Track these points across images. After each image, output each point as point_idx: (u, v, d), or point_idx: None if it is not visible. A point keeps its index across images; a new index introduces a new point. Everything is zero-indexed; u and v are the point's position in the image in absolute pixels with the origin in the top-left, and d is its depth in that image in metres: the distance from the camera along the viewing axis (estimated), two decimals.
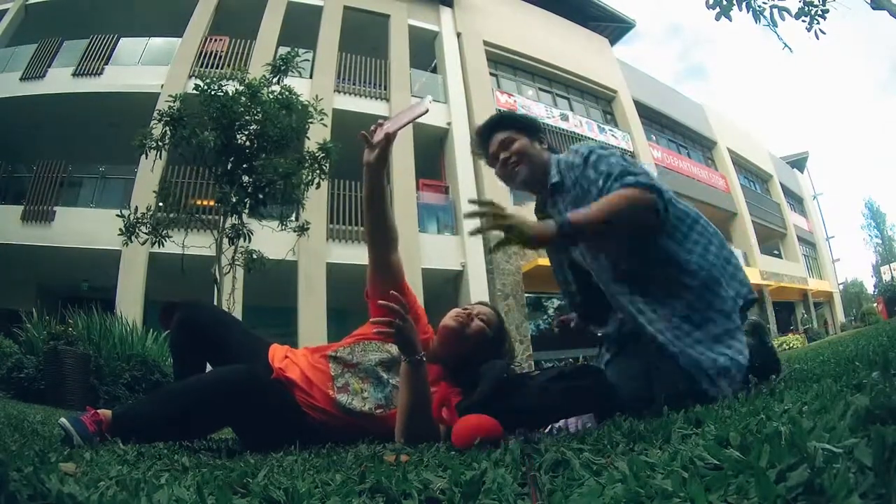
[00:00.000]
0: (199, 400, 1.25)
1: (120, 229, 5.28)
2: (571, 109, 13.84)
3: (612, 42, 16.39)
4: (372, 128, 1.45)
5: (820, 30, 4.63)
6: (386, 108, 10.80)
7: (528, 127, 1.56)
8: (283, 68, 5.65)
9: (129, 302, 7.68)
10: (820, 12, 4.58)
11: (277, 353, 1.49)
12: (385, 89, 11.02)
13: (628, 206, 1.22)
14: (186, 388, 1.31)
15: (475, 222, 1.21)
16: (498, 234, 1.18)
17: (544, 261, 10.23)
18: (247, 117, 5.34)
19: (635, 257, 1.33)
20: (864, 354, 1.49)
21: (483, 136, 1.59)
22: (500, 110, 10.97)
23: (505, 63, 13.28)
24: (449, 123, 11.26)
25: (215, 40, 10.42)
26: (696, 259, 1.29)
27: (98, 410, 1.22)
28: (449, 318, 1.50)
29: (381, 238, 1.50)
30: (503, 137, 1.50)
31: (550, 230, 1.17)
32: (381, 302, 1.24)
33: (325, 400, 1.40)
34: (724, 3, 4.47)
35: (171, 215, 5.68)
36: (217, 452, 1.18)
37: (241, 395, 1.27)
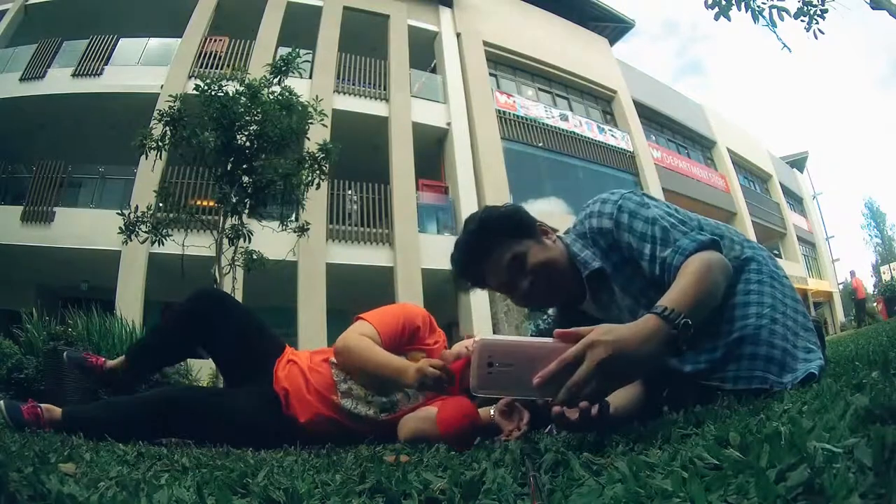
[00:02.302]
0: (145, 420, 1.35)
1: (120, 227, 5.28)
2: (571, 109, 13.85)
3: (612, 42, 16.40)
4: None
5: (819, 30, 4.64)
6: (385, 109, 10.80)
7: (521, 223, 1.13)
8: (283, 69, 5.65)
9: (129, 302, 7.68)
10: (819, 12, 4.59)
11: (280, 370, 1.47)
12: (385, 89, 11.02)
13: (721, 277, 0.94)
14: (134, 405, 1.39)
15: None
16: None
17: None
18: (247, 118, 5.33)
19: None
20: (864, 354, 1.49)
21: (473, 265, 1.14)
22: (498, 110, 10.85)
23: (504, 63, 13.28)
24: (448, 124, 11.27)
25: (215, 41, 10.43)
26: None
27: (40, 406, 1.30)
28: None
29: None
30: (509, 257, 1.09)
31: (658, 336, 0.77)
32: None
33: (328, 406, 1.40)
34: (724, 3, 4.47)
35: (172, 215, 5.68)
36: (217, 453, 1.18)
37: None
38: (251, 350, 1.50)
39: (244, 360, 1.48)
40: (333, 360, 1.47)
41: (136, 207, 5.48)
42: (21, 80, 9.58)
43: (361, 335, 1.41)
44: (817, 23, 4.62)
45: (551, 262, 1.10)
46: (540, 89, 13.79)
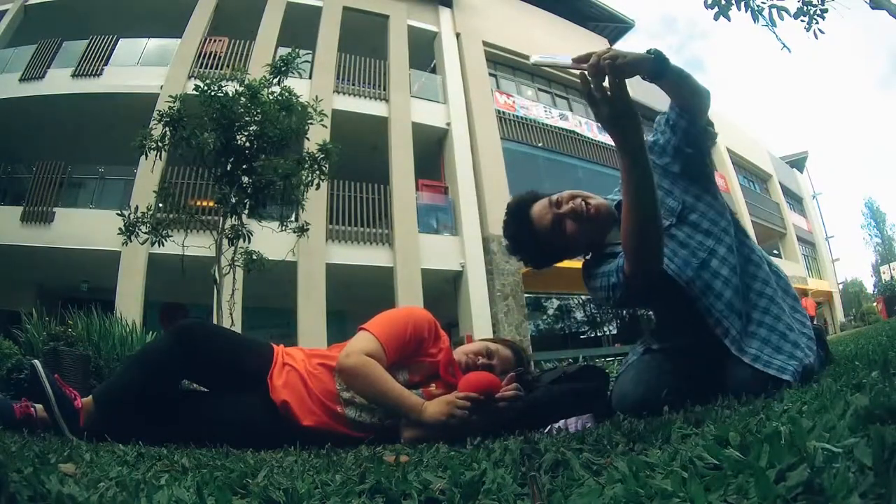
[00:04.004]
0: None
1: (120, 228, 5.28)
2: (571, 109, 13.85)
3: (612, 42, 16.39)
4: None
5: (819, 29, 4.63)
6: (385, 109, 10.81)
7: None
8: (283, 69, 5.65)
9: (129, 303, 7.68)
10: (819, 12, 4.59)
11: (276, 378, 1.41)
12: (384, 90, 11.02)
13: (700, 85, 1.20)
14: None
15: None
16: None
17: None
18: (246, 118, 5.34)
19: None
20: (864, 354, 1.49)
21: (521, 223, 1.35)
22: (498, 110, 10.89)
23: (504, 63, 13.28)
24: (448, 124, 11.27)
25: (214, 41, 10.42)
26: None
27: (34, 406, 1.26)
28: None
29: None
30: (549, 198, 1.33)
31: (644, 55, 1.07)
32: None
33: (331, 416, 1.38)
34: (723, 2, 4.47)
35: (171, 216, 5.68)
36: (217, 453, 1.18)
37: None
38: (240, 370, 1.43)
39: (235, 380, 1.42)
40: (335, 366, 1.42)
41: (136, 208, 5.48)
42: (21, 80, 9.57)
43: (367, 355, 1.34)
44: (817, 22, 4.61)
45: (588, 193, 1.31)
46: (540, 89, 13.79)
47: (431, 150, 11.24)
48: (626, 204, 1.10)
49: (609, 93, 1.02)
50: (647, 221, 1.09)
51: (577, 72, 1.04)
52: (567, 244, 1.32)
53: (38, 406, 1.26)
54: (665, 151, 1.28)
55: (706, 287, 1.22)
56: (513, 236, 1.38)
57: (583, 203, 1.27)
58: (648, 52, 1.09)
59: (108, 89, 9.50)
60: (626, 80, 1.02)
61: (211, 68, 9.61)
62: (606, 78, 1.01)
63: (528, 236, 1.33)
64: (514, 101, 12.60)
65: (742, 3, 4.46)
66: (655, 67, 1.08)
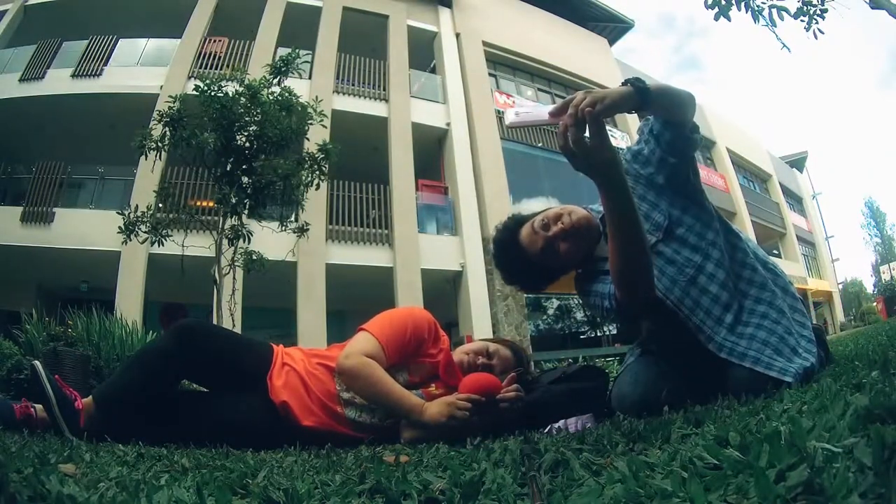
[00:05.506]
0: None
1: (119, 227, 5.28)
2: None
3: (611, 42, 16.40)
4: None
5: (819, 29, 4.63)
6: (385, 109, 10.81)
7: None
8: (283, 69, 5.65)
9: (129, 303, 7.67)
10: (819, 12, 4.58)
11: (275, 378, 1.40)
12: (384, 90, 11.02)
13: (686, 93, 1.16)
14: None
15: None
16: None
17: None
18: (246, 118, 5.34)
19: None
20: (864, 354, 1.49)
21: (512, 246, 1.34)
22: (498, 110, 10.88)
23: (504, 63, 13.28)
24: (448, 124, 11.27)
25: (214, 41, 10.42)
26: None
27: (34, 406, 1.26)
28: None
29: None
30: (533, 221, 1.32)
31: (624, 89, 1.04)
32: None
33: (331, 416, 1.38)
34: (723, 2, 4.46)
35: (171, 216, 5.68)
36: (217, 453, 1.18)
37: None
38: (240, 370, 1.43)
39: (235, 380, 1.42)
40: (335, 367, 1.42)
41: (136, 207, 5.48)
42: (21, 80, 9.56)
43: (367, 356, 1.34)
44: (817, 22, 4.61)
45: (571, 207, 1.31)
46: (540, 89, 13.79)
47: (431, 151, 11.24)
48: (611, 242, 1.10)
49: (589, 142, 0.98)
50: (635, 259, 1.09)
51: (558, 124, 1.00)
52: (562, 264, 1.32)
53: (39, 406, 1.26)
54: (649, 162, 1.26)
55: (695, 305, 1.21)
56: (505, 266, 1.39)
57: (570, 219, 1.27)
58: (626, 83, 1.06)
59: (107, 89, 9.50)
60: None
61: (211, 68, 9.61)
62: (586, 127, 0.97)
63: (522, 263, 1.34)
64: (514, 101, 12.60)
65: (742, 3, 4.45)
66: (638, 100, 1.05)
